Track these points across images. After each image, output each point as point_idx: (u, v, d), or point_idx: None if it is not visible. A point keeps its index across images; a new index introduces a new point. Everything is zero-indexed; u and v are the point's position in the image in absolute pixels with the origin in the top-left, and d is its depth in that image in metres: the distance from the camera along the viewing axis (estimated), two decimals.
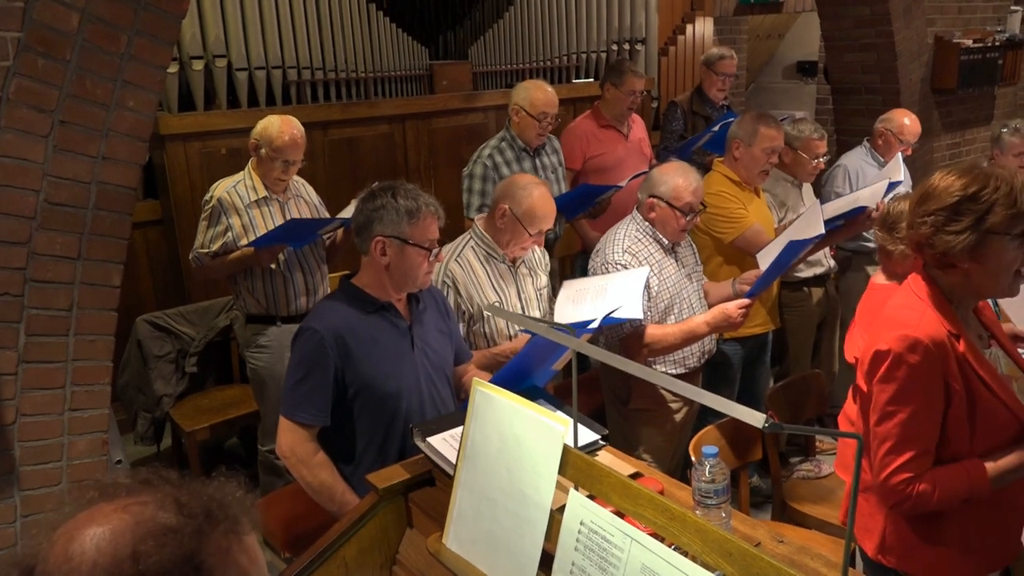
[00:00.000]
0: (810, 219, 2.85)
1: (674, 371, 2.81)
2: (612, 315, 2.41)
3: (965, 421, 1.66)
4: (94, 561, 0.75)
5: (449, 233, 2.73)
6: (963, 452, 1.68)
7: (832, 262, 3.75)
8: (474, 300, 2.61)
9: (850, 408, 2.50)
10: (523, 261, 2.75)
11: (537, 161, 3.70)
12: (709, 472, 1.60)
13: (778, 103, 7.62)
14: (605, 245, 2.78)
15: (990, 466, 1.66)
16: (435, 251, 2.18)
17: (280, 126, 3.07)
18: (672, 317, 2.75)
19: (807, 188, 3.67)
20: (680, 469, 3.04)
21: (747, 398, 3.42)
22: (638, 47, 5.74)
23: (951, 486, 1.65)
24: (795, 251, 2.69)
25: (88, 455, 2.28)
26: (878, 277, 2.56)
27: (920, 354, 1.61)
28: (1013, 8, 5.70)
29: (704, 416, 3.07)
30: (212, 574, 0.78)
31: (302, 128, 3.15)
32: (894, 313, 1.71)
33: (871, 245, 3.98)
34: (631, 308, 2.48)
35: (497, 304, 2.63)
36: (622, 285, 2.59)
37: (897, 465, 1.65)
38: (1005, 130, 4.20)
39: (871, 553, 1.82)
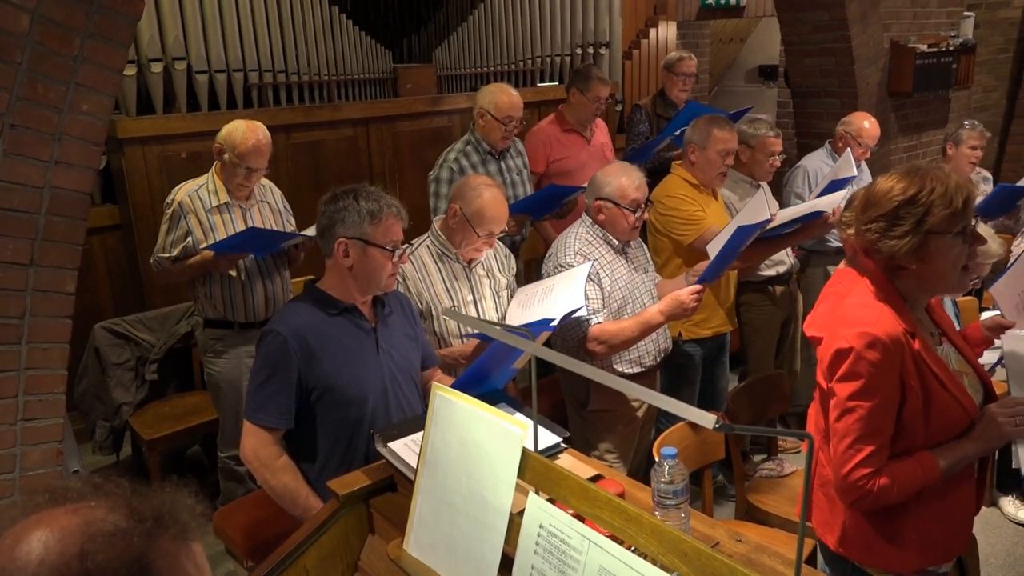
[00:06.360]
0: (756, 205, 2.91)
1: (631, 371, 2.83)
2: (571, 314, 2.42)
3: (920, 416, 1.70)
4: (41, 559, 0.76)
5: (415, 237, 2.73)
6: (916, 446, 1.72)
7: (793, 260, 3.80)
8: (423, 297, 2.61)
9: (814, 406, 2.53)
10: (480, 262, 2.75)
11: (503, 163, 3.68)
12: (668, 473, 1.61)
13: (740, 106, 7.70)
14: (557, 249, 2.81)
15: (939, 458, 1.71)
16: (399, 252, 2.17)
17: (245, 131, 3.01)
18: (626, 315, 2.78)
19: (766, 188, 3.71)
20: (644, 468, 3.06)
21: (707, 398, 3.47)
22: (602, 51, 5.77)
23: (907, 479, 1.69)
24: (743, 237, 2.73)
25: (42, 466, 2.23)
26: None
27: (879, 351, 1.65)
28: (966, 14, 5.84)
29: (665, 415, 3.10)
30: None
31: (268, 134, 3.08)
32: (852, 312, 1.74)
33: (832, 244, 4.05)
34: (573, 299, 2.49)
35: (450, 305, 2.62)
36: (566, 282, 2.61)
37: (858, 460, 1.68)
38: (964, 125, 4.33)
39: (832, 546, 1.86)
